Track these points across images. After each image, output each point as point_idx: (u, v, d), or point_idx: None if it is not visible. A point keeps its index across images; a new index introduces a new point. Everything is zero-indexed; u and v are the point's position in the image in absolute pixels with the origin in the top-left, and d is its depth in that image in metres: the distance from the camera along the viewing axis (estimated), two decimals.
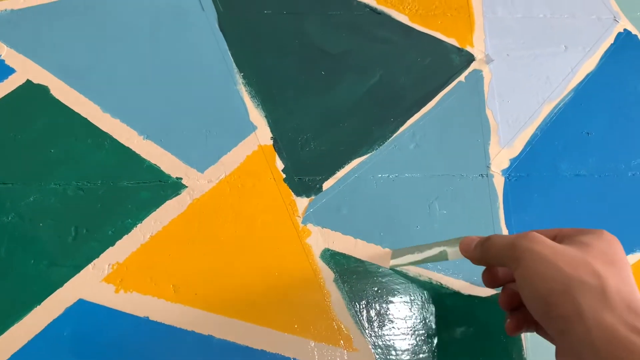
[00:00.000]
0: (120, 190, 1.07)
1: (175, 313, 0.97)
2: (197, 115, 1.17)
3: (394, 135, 1.21)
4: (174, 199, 1.08)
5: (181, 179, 1.10)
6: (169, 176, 1.10)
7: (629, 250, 1.09)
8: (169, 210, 1.07)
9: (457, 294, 1.02)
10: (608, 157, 1.20)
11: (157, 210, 1.06)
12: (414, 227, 1.10)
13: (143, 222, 1.05)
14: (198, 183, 1.10)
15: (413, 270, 1.04)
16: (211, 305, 0.98)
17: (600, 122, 1.24)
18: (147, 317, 0.97)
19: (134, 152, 1.11)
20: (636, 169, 1.19)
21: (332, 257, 1.05)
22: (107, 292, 0.98)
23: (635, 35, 1.38)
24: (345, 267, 1.04)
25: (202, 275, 1.01)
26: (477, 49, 1.34)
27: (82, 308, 0.96)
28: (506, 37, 1.35)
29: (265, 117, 1.19)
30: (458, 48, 1.34)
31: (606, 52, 1.35)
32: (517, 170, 1.17)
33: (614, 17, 1.41)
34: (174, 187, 1.09)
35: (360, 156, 1.17)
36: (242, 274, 1.01)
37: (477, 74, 1.30)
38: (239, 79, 1.23)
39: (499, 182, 1.15)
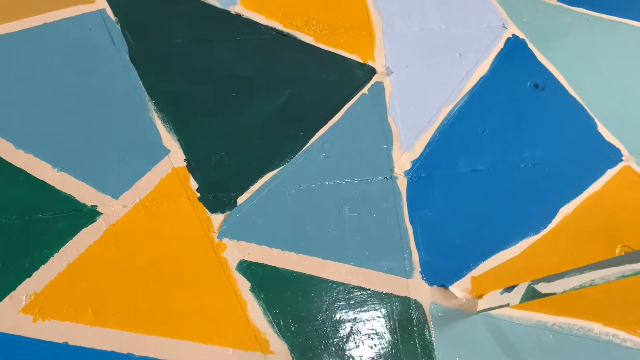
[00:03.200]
0: (36, 222, 1.10)
1: (94, 336, 1.00)
2: (110, 144, 1.21)
3: (304, 147, 1.28)
4: (90, 226, 1.11)
5: (96, 206, 1.13)
6: (84, 205, 1.13)
7: (524, 235, 1.18)
8: (85, 238, 1.10)
9: (366, 292, 1.09)
10: (502, 151, 1.29)
11: (74, 238, 1.09)
12: (326, 232, 1.16)
13: (60, 251, 1.08)
14: (113, 209, 1.13)
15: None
16: (130, 325, 1.01)
17: (493, 120, 1.34)
18: (67, 343, 0.99)
19: (49, 185, 1.14)
20: (528, 160, 1.29)
21: (248, 268, 1.10)
22: (25, 323, 1.00)
23: (523, 40, 1.51)
24: (261, 276, 1.09)
25: (120, 297, 1.04)
26: (378, 63, 1.43)
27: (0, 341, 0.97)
28: (405, 49, 1.45)
29: (178, 140, 1.24)
30: (361, 63, 1.43)
31: (497, 56, 1.46)
32: (418, 171, 1.25)
33: (503, 24, 1.53)
34: (90, 215, 1.12)
35: (272, 170, 1.23)
36: (160, 292, 1.05)
37: (379, 85, 1.40)
38: (151, 106, 1.28)
39: (402, 183, 1.23)
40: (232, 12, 1.46)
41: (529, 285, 0.91)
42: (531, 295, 0.90)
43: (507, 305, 0.98)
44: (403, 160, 1.25)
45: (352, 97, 1.35)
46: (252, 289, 1.06)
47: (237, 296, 1.05)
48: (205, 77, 1.34)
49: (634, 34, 1.54)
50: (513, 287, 0.96)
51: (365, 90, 1.36)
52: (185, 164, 1.20)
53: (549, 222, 1.20)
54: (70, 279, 1.04)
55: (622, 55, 1.49)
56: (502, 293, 0.99)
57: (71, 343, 0.98)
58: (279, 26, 1.45)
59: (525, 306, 1.10)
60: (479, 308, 1.06)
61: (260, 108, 1.30)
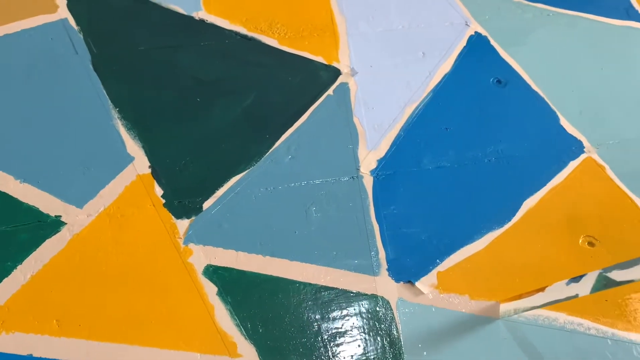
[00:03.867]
0: None
1: (59, 346, 0.99)
2: (74, 153, 1.20)
3: (270, 150, 1.28)
4: (54, 237, 1.10)
5: (60, 216, 1.12)
6: (47, 215, 1.12)
7: (488, 229, 1.19)
8: (49, 249, 1.09)
9: (334, 291, 1.09)
10: (466, 147, 1.31)
11: (37, 250, 1.08)
12: (292, 233, 1.16)
13: (23, 263, 1.07)
14: (77, 218, 1.13)
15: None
16: (96, 334, 1.01)
17: (457, 117, 1.36)
18: (31, 355, 0.98)
19: (11, 197, 1.13)
20: (492, 155, 1.31)
21: (215, 272, 1.10)
22: None
23: (485, 37, 1.53)
24: (227, 280, 1.09)
25: (86, 306, 1.03)
26: (343, 64, 1.44)
27: None
28: (369, 50, 1.46)
29: (143, 147, 1.24)
30: (325, 65, 1.44)
31: (460, 54, 1.48)
32: (384, 169, 1.26)
33: (466, 22, 1.55)
34: (53, 225, 1.11)
35: (238, 174, 1.23)
36: (126, 300, 1.05)
37: (344, 86, 1.41)
38: (114, 114, 1.27)
39: (368, 182, 1.24)
40: (196, 18, 1.46)
41: (560, 285, 0.91)
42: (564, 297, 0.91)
43: (534, 308, 0.99)
44: (369, 159, 1.26)
45: (318, 99, 1.35)
46: (219, 293, 1.06)
47: (204, 301, 1.05)
48: (169, 83, 1.34)
49: (593, 27, 1.58)
50: (539, 290, 0.97)
51: (330, 91, 1.37)
52: (150, 170, 1.20)
53: (513, 215, 1.21)
54: (34, 290, 1.04)
55: (581, 48, 1.52)
56: (527, 296, 1.00)
57: (36, 355, 0.98)
58: (243, 30, 1.45)
59: (491, 298, 1.11)
60: (502, 314, 1.06)
61: (225, 112, 1.30)
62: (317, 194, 1.21)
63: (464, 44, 1.49)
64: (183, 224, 1.14)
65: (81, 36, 1.38)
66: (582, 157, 1.32)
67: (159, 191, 1.17)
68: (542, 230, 1.20)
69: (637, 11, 1.63)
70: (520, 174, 1.27)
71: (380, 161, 1.27)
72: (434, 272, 1.13)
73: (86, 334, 1.00)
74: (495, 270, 1.14)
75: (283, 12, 1.51)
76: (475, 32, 1.52)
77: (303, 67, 1.41)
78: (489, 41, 1.51)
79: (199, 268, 1.09)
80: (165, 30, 1.43)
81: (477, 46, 1.49)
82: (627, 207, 1.25)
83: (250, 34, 1.45)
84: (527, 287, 1.13)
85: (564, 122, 1.37)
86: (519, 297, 1.03)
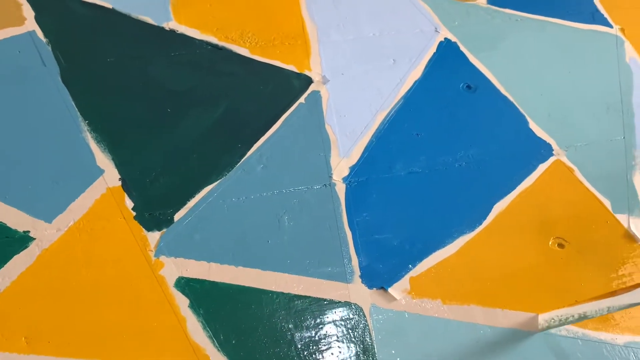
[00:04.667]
0: None
1: None
2: (42, 167, 1.19)
3: (242, 160, 1.28)
4: (22, 252, 1.09)
5: (29, 231, 1.11)
6: (15, 231, 1.11)
7: (460, 233, 1.21)
8: (18, 265, 1.07)
9: (307, 300, 1.09)
10: (437, 152, 1.32)
11: (5, 266, 1.07)
12: (265, 243, 1.16)
13: None
14: (46, 233, 1.11)
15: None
16: (66, 351, 1.00)
17: (428, 122, 1.37)
18: None
19: None
20: (462, 159, 1.32)
21: (187, 284, 1.09)
22: None
23: (455, 43, 1.55)
24: (200, 292, 1.08)
25: (55, 322, 1.02)
26: (314, 72, 1.45)
27: None
28: (340, 58, 1.47)
29: (113, 160, 1.23)
30: (297, 73, 1.44)
31: (430, 60, 1.50)
32: (356, 176, 1.27)
33: (435, 28, 1.57)
34: (22, 241, 1.10)
35: (210, 184, 1.23)
36: (97, 315, 1.03)
37: (316, 94, 1.41)
38: (84, 127, 1.26)
39: (340, 189, 1.24)
40: (166, 28, 1.46)
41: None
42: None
43: (571, 322, 1.00)
44: (341, 166, 1.27)
45: (289, 107, 1.36)
46: (191, 305, 1.06)
47: (176, 313, 1.05)
48: (139, 95, 1.33)
49: (560, 31, 1.60)
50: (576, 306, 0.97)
51: (302, 99, 1.37)
52: (120, 183, 1.19)
53: (484, 218, 1.23)
54: (2, 308, 1.02)
55: (549, 52, 1.54)
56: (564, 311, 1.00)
57: None
58: (214, 40, 1.45)
59: (463, 302, 1.12)
60: (541, 327, 1.06)
61: (196, 122, 1.30)
62: (290, 203, 1.21)
63: (434, 50, 1.51)
64: (154, 236, 1.13)
65: (49, 48, 1.37)
66: (551, 159, 1.34)
67: (129, 203, 1.16)
68: (512, 233, 1.22)
69: (602, 15, 1.66)
70: (490, 178, 1.29)
71: (352, 168, 1.27)
72: (407, 277, 1.14)
73: (55, 351, 0.99)
74: (467, 273, 1.15)
75: (254, 21, 1.51)
76: (445, 39, 1.54)
77: (274, 76, 1.41)
78: (458, 47, 1.53)
79: (171, 280, 1.09)
80: (135, 41, 1.42)
81: (447, 52, 1.51)
82: (595, 209, 1.27)
83: (221, 43, 1.45)
84: (498, 290, 1.14)
85: (533, 125, 1.39)
86: (556, 311, 1.04)
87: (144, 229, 1.14)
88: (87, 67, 1.36)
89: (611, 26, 1.63)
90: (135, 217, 1.15)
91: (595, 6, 1.69)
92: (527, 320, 1.11)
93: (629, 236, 1.24)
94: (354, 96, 1.40)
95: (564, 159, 1.34)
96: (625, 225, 1.25)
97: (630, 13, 1.68)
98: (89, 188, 1.17)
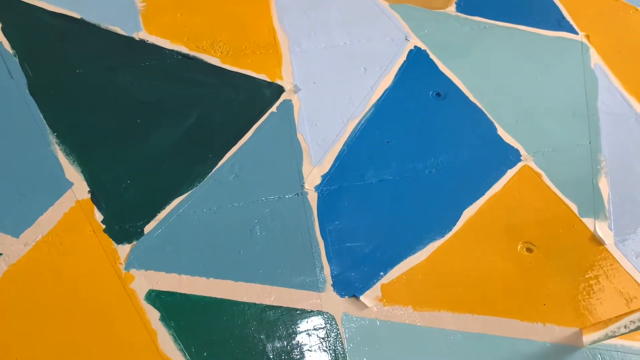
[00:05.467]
0: None
1: None
2: (9, 181, 1.17)
3: (214, 170, 1.28)
4: None
5: None
6: None
7: (430, 239, 1.22)
8: None
9: (279, 310, 1.09)
10: (407, 159, 1.34)
11: None
12: (237, 253, 1.16)
13: None
14: (14, 248, 1.10)
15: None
16: None
17: (398, 130, 1.39)
18: None
19: None
20: (432, 166, 1.34)
21: (157, 297, 1.09)
22: None
23: (425, 51, 1.57)
24: (170, 305, 1.08)
25: (23, 339, 1.01)
26: (286, 81, 1.46)
27: None
28: (312, 66, 1.48)
29: (82, 172, 1.21)
30: (268, 82, 1.45)
31: (400, 68, 1.51)
32: (328, 184, 1.28)
33: (405, 36, 1.59)
34: None
35: (180, 195, 1.22)
36: (66, 330, 1.02)
37: (288, 103, 1.42)
38: (52, 139, 1.25)
39: (312, 198, 1.25)
40: (136, 39, 1.45)
41: None
42: None
43: (614, 336, 1.01)
44: (313, 175, 1.27)
45: (261, 116, 1.36)
46: (162, 318, 1.05)
47: (147, 327, 1.04)
48: (109, 106, 1.32)
49: (527, 38, 1.64)
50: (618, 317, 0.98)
51: (274, 108, 1.38)
52: (89, 195, 1.18)
53: (454, 224, 1.24)
54: None
55: (516, 59, 1.57)
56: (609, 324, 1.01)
57: None
58: (184, 50, 1.45)
59: (433, 308, 1.13)
60: (587, 342, 1.07)
61: (166, 133, 1.30)
62: (262, 212, 1.21)
63: (404, 59, 1.53)
64: (124, 249, 1.12)
65: (16, 60, 1.36)
66: (519, 165, 1.37)
67: (99, 216, 1.15)
68: (482, 238, 1.24)
69: (568, 22, 1.70)
70: (460, 184, 1.31)
71: (324, 176, 1.28)
72: (378, 284, 1.15)
73: None
74: (437, 279, 1.16)
75: (225, 30, 1.51)
76: (415, 47, 1.56)
77: (246, 85, 1.42)
78: (428, 55, 1.55)
79: (141, 294, 1.08)
80: (105, 52, 1.42)
81: (417, 60, 1.53)
82: (562, 213, 1.30)
83: (192, 53, 1.45)
84: (468, 295, 1.16)
85: (501, 131, 1.42)
86: (601, 325, 1.05)
87: (113, 242, 1.13)
88: (56, 78, 1.35)
89: (577, 33, 1.67)
90: (104, 230, 1.14)
91: (561, 13, 1.72)
92: (497, 325, 1.12)
93: (595, 239, 1.27)
94: (326, 105, 1.41)
95: (532, 164, 1.37)
96: (592, 229, 1.28)
97: (595, 20, 1.72)
98: (57, 201, 1.16)
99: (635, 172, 1.39)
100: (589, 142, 1.43)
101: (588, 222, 1.29)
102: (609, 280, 1.21)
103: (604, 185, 1.35)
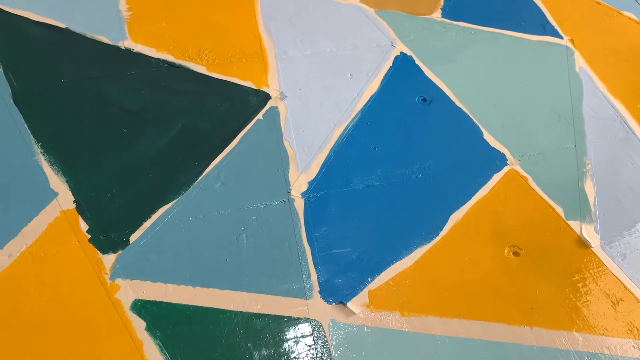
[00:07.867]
0: None
1: None
2: None
3: (200, 178, 1.28)
4: None
5: None
6: None
7: (417, 245, 1.22)
8: None
9: (265, 318, 1.09)
10: (394, 165, 1.34)
11: None
12: (223, 262, 1.16)
13: None
14: None
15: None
16: None
17: (384, 136, 1.39)
18: None
19: None
20: (419, 171, 1.34)
21: (143, 307, 1.08)
22: None
23: (411, 57, 1.57)
24: (156, 314, 1.07)
25: (8, 351, 1.00)
26: (272, 88, 1.46)
27: None
28: (297, 73, 1.48)
29: (67, 182, 1.21)
30: (255, 90, 1.45)
31: (386, 74, 1.52)
32: (315, 191, 1.27)
33: (391, 42, 1.60)
34: None
35: (166, 203, 1.22)
36: (50, 343, 1.01)
37: (274, 110, 1.42)
38: (37, 149, 1.24)
39: (299, 205, 1.25)
40: (122, 47, 1.45)
41: None
42: None
43: None
44: (300, 181, 1.27)
45: (247, 124, 1.36)
46: (148, 328, 1.05)
47: (132, 337, 1.03)
48: (94, 115, 1.32)
49: (512, 43, 1.65)
50: None
51: (260, 116, 1.38)
52: (74, 205, 1.17)
53: (441, 229, 1.24)
54: None
55: (502, 64, 1.58)
56: None
57: None
58: (170, 58, 1.45)
59: (421, 313, 1.13)
60: None
61: (152, 142, 1.29)
62: (248, 220, 1.21)
63: (390, 65, 1.53)
64: (109, 259, 1.12)
65: (0, 70, 1.35)
66: (506, 169, 1.37)
67: (84, 226, 1.15)
68: (468, 243, 1.24)
69: (553, 27, 1.72)
70: (446, 189, 1.31)
71: (311, 183, 1.28)
72: (365, 291, 1.15)
73: None
74: (424, 285, 1.17)
75: (211, 38, 1.51)
76: (401, 53, 1.57)
77: (232, 93, 1.42)
78: (414, 61, 1.56)
79: (127, 303, 1.07)
80: (90, 61, 1.41)
81: (403, 66, 1.54)
82: (549, 216, 1.31)
83: (178, 61, 1.45)
84: (455, 300, 1.16)
85: (487, 136, 1.43)
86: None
87: (99, 252, 1.12)
88: (40, 88, 1.35)
89: (561, 37, 1.68)
90: (90, 240, 1.13)
91: (545, 18, 1.74)
92: (484, 329, 1.12)
93: (582, 242, 1.27)
94: (312, 111, 1.41)
95: (518, 168, 1.38)
96: (578, 232, 1.28)
97: (579, 24, 1.74)
98: (42, 212, 1.15)
99: (621, 174, 1.40)
100: (575, 146, 1.44)
101: (574, 225, 1.29)
102: (595, 283, 1.21)
103: (589, 188, 1.36)
